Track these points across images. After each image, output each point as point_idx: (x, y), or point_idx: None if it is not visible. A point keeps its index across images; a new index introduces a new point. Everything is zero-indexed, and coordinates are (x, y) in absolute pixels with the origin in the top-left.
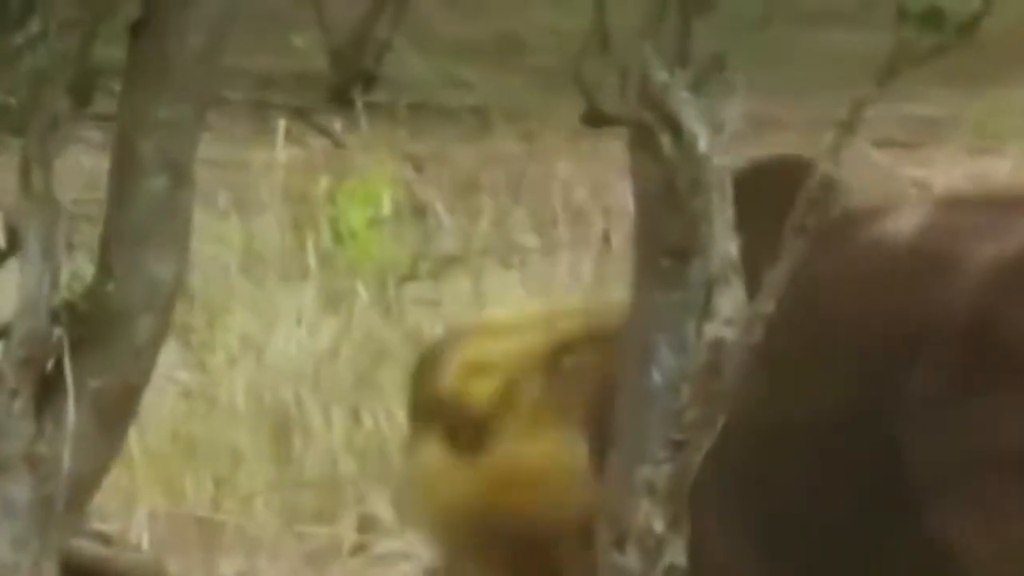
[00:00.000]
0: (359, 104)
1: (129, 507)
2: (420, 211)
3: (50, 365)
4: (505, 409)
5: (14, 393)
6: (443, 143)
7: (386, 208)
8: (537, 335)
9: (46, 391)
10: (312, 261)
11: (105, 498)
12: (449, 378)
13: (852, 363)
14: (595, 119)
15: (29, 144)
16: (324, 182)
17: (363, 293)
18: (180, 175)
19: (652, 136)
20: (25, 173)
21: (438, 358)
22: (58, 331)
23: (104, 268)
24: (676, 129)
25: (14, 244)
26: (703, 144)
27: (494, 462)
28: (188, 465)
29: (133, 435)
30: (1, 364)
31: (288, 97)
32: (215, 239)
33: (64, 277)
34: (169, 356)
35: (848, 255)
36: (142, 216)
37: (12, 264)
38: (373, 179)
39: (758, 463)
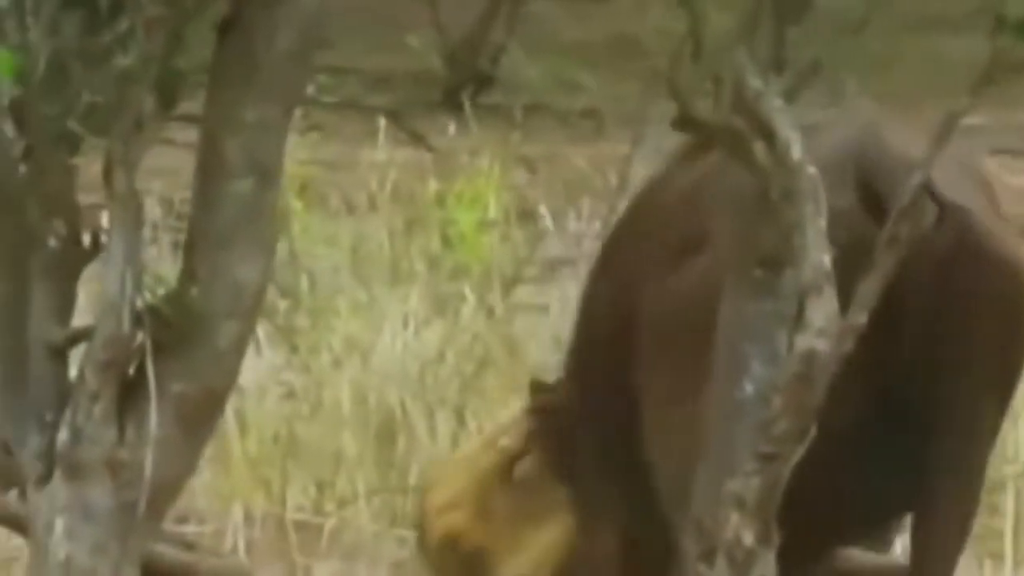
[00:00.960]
0: (468, 106)
1: (226, 509)
2: (529, 214)
3: (132, 369)
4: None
5: (95, 397)
6: (555, 145)
7: (494, 211)
8: (483, 462)
9: (128, 395)
10: (420, 263)
11: (202, 499)
12: (432, 537)
13: None
14: (687, 124)
15: (113, 144)
16: (433, 184)
17: (470, 296)
18: (267, 177)
19: (745, 143)
20: (108, 174)
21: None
22: (140, 335)
23: (188, 271)
24: (770, 136)
25: (97, 246)
26: (797, 152)
27: None
28: (290, 467)
29: (234, 436)
30: (82, 367)
31: (401, 98)
32: (324, 240)
33: (147, 280)
34: (274, 357)
35: None
36: (227, 219)
37: (94, 266)
38: (482, 182)
39: None
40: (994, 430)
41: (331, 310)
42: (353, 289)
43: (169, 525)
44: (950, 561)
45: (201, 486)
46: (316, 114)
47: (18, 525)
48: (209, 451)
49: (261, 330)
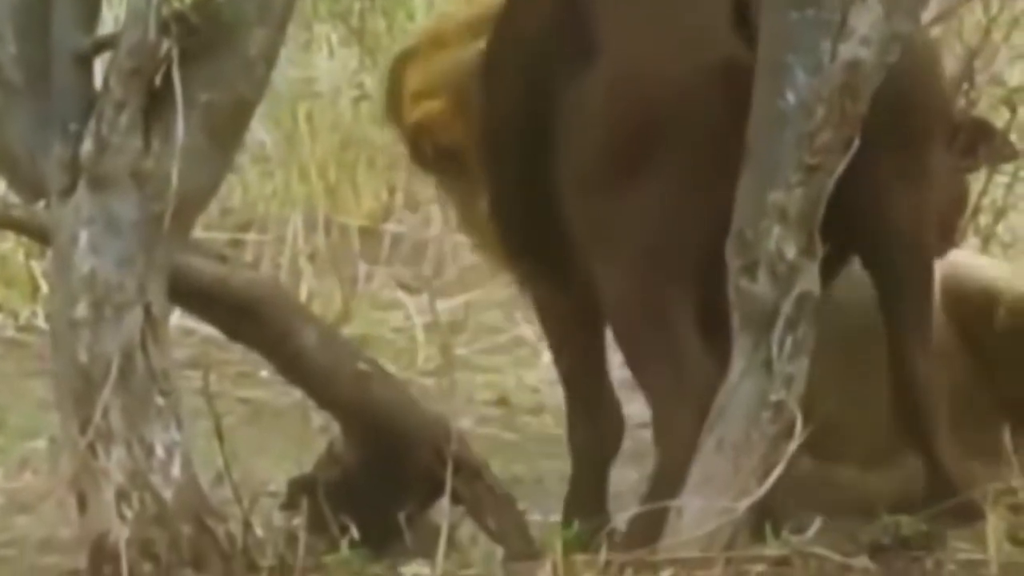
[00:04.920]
0: None
1: (290, 213)
2: None
3: (159, 78)
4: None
5: (120, 106)
6: None
7: None
8: (466, 52)
9: (154, 105)
10: None
11: (268, 204)
12: (405, 121)
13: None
14: None
15: None
16: None
17: None
18: None
19: None
20: None
21: (395, 90)
22: (167, 42)
23: None
24: None
25: None
26: None
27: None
28: (361, 173)
29: (305, 140)
30: (107, 76)
31: None
32: None
33: None
34: (348, 59)
35: None
36: None
37: None
38: None
39: None
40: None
41: (406, 10)
42: None
43: (230, 232)
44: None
45: (272, 191)
46: None
47: (43, 237)
48: (278, 155)
49: (334, 32)
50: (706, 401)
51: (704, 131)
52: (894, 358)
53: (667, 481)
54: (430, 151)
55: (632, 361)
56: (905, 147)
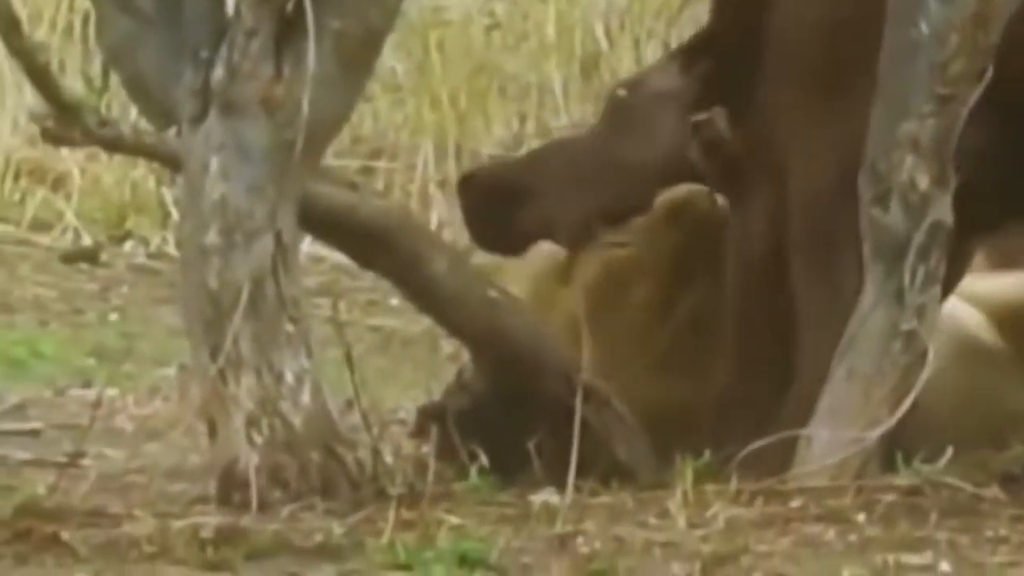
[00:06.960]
0: None
1: (420, 141)
2: None
3: (290, 5)
4: None
5: (252, 33)
6: None
7: None
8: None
9: (286, 32)
10: None
11: (399, 132)
12: None
13: None
14: None
15: None
16: None
17: None
18: None
19: None
20: None
21: None
22: None
23: None
24: None
25: None
26: None
27: None
28: (491, 101)
29: (436, 68)
30: (239, 3)
31: None
32: None
33: None
34: None
35: None
36: None
37: None
38: None
39: None
40: None
41: None
42: None
43: (361, 160)
44: None
45: (403, 119)
46: None
47: (174, 164)
48: (409, 83)
49: None
50: None
51: None
52: None
53: (799, 412)
54: None
55: (797, 286)
56: None
